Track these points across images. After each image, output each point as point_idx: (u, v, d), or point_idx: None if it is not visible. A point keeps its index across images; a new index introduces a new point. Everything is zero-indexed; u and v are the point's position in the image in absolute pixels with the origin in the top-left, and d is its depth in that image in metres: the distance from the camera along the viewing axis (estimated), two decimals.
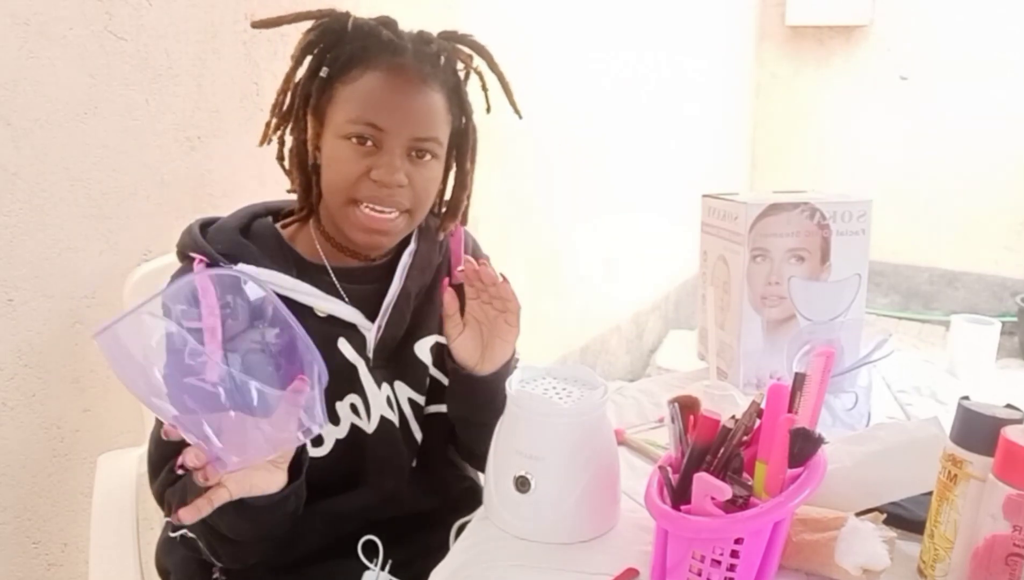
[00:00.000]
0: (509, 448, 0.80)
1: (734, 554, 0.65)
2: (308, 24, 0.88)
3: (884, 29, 3.60)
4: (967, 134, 3.49)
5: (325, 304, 0.87)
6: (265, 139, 0.91)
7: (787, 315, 1.12)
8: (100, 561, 0.92)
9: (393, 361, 0.93)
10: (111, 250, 1.07)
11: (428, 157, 0.86)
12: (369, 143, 0.83)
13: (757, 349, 1.13)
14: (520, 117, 0.94)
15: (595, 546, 0.79)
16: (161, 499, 0.84)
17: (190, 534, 0.82)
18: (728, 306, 1.16)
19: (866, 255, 1.13)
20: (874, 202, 1.11)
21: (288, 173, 0.92)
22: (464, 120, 0.92)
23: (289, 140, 0.91)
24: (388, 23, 0.87)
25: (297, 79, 0.88)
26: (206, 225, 0.90)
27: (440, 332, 0.95)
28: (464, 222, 0.98)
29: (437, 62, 0.88)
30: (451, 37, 0.91)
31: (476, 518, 0.85)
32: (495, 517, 0.82)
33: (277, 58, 1.23)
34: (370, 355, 0.90)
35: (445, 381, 0.95)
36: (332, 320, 0.88)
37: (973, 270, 3.63)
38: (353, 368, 0.89)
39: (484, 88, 0.94)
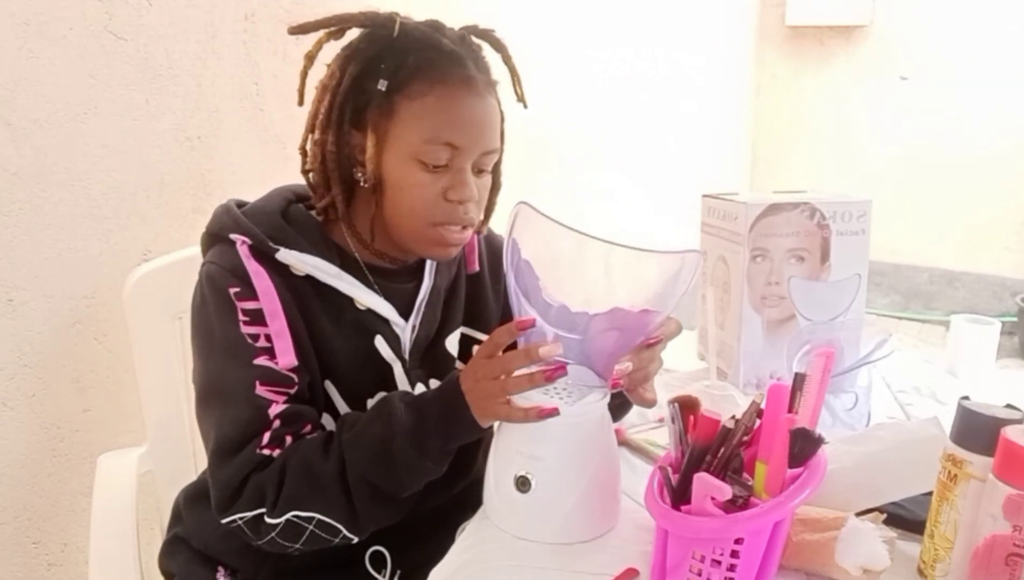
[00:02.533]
0: (509, 448, 0.80)
1: (734, 554, 0.65)
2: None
3: (884, 29, 3.60)
4: (967, 134, 3.48)
5: (366, 297, 0.87)
6: (313, 158, 0.85)
7: (787, 315, 1.12)
8: (100, 561, 0.92)
9: (428, 359, 0.93)
10: (111, 250, 1.07)
11: (489, 168, 0.86)
12: (445, 159, 0.81)
13: (757, 349, 1.13)
14: (526, 107, 0.93)
15: (595, 546, 0.79)
16: (240, 486, 0.79)
17: (301, 515, 0.78)
18: (728, 306, 1.16)
19: (866, 255, 1.13)
20: (874, 202, 1.11)
21: (317, 185, 0.86)
22: (502, 120, 0.90)
23: (317, 150, 0.85)
24: (439, 27, 0.84)
25: (334, 85, 0.82)
26: (238, 206, 0.88)
27: (465, 324, 0.97)
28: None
29: (488, 68, 0.86)
30: (474, 32, 0.88)
31: (476, 518, 0.85)
32: (495, 517, 0.82)
33: (277, 58, 1.23)
34: (406, 356, 0.90)
35: None
36: (370, 314, 0.88)
37: (973, 270, 3.62)
38: (388, 367, 0.89)
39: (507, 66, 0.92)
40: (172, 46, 1.10)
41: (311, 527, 0.79)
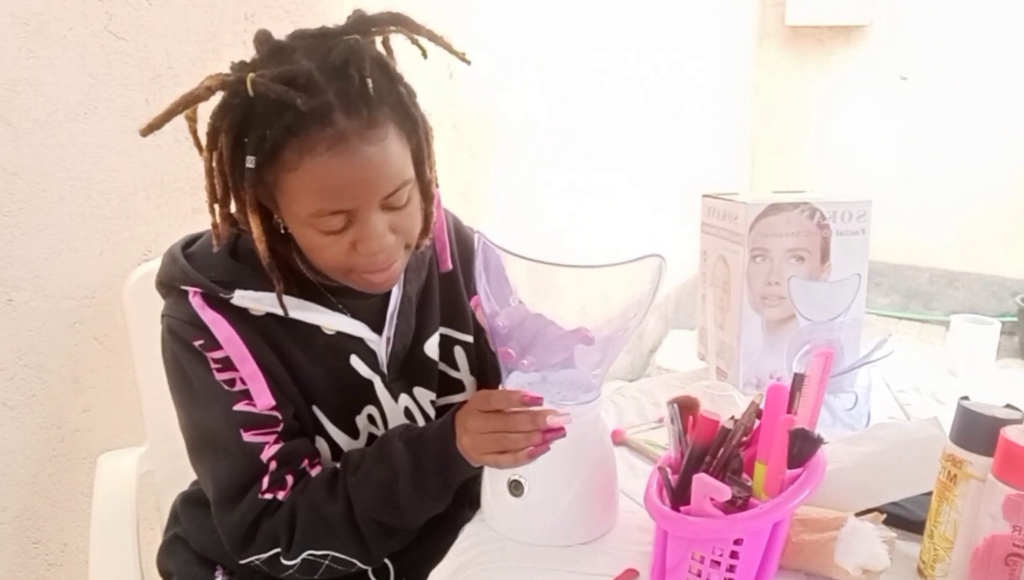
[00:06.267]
0: None
1: (733, 555, 0.65)
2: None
3: (884, 29, 3.60)
4: (967, 134, 3.48)
5: (333, 320, 0.85)
6: (220, 239, 0.79)
7: (787, 315, 1.12)
8: (100, 561, 0.92)
9: (407, 369, 0.91)
10: (111, 250, 1.07)
11: (404, 200, 0.78)
12: (341, 223, 0.75)
13: (757, 349, 1.13)
14: (468, 63, 0.82)
15: (595, 547, 0.79)
16: (250, 532, 0.80)
17: (316, 553, 0.81)
18: (728, 306, 1.16)
19: (866, 255, 1.13)
20: (874, 202, 1.11)
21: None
22: (416, 130, 0.79)
23: (226, 225, 0.79)
24: (295, 77, 0.69)
25: (215, 164, 0.76)
26: (186, 247, 0.84)
27: (444, 325, 0.94)
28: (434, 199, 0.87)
29: (367, 93, 0.72)
30: (359, 29, 0.77)
31: (474, 520, 0.85)
32: (491, 520, 0.82)
33: None
34: (384, 370, 0.89)
35: (453, 374, 0.95)
36: (341, 337, 0.86)
37: (973, 270, 3.62)
38: (369, 383, 0.88)
39: (414, 41, 0.80)
40: (172, 46, 1.10)
41: (327, 562, 0.82)
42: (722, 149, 3.70)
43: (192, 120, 0.76)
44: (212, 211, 0.78)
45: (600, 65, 2.41)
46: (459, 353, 0.96)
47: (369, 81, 0.72)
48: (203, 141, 0.77)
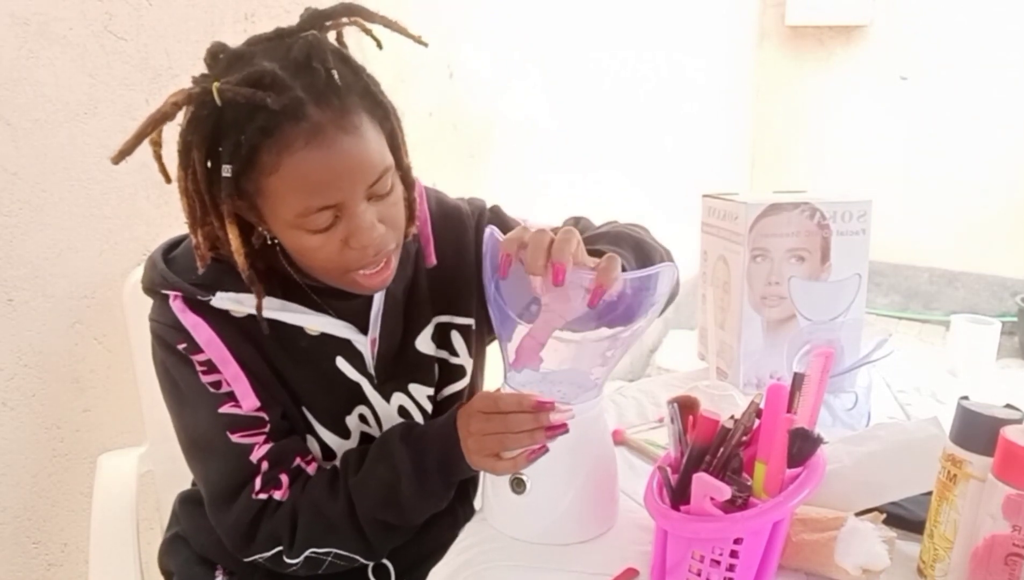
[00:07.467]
0: None
1: (733, 554, 0.65)
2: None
3: (884, 29, 3.60)
4: (967, 134, 3.48)
5: (316, 321, 0.83)
6: (204, 260, 0.77)
7: (787, 315, 1.12)
8: (100, 561, 0.92)
9: (400, 368, 0.90)
10: (111, 250, 1.07)
11: (388, 188, 0.76)
12: (329, 219, 0.73)
13: (757, 349, 1.13)
14: (426, 46, 0.80)
15: (595, 546, 0.79)
16: (248, 531, 0.80)
17: (319, 551, 0.82)
18: (728, 306, 1.16)
19: (866, 255, 1.13)
20: (874, 202, 1.11)
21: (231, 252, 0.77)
22: (388, 116, 0.77)
23: (207, 243, 0.78)
24: (260, 78, 0.68)
25: (190, 184, 0.74)
26: (168, 251, 0.84)
27: (439, 313, 0.93)
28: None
29: (335, 84, 0.71)
30: (314, 25, 0.75)
31: (476, 518, 0.85)
32: (492, 518, 0.82)
33: None
34: (372, 372, 0.88)
35: (453, 361, 0.94)
36: (325, 338, 0.85)
37: (973, 270, 3.63)
38: (356, 385, 0.87)
39: (367, 32, 0.79)
40: (172, 46, 1.10)
41: (330, 559, 0.82)
42: (722, 149, 3.70)
43: (157, 144, 0.74)
44: (194, 233, 0.77)
45: (600, 65, 2.41)
46: (456, 338, 0.94)
47: (334, 72, 0.71)
48: (170, 167, 0.75)
